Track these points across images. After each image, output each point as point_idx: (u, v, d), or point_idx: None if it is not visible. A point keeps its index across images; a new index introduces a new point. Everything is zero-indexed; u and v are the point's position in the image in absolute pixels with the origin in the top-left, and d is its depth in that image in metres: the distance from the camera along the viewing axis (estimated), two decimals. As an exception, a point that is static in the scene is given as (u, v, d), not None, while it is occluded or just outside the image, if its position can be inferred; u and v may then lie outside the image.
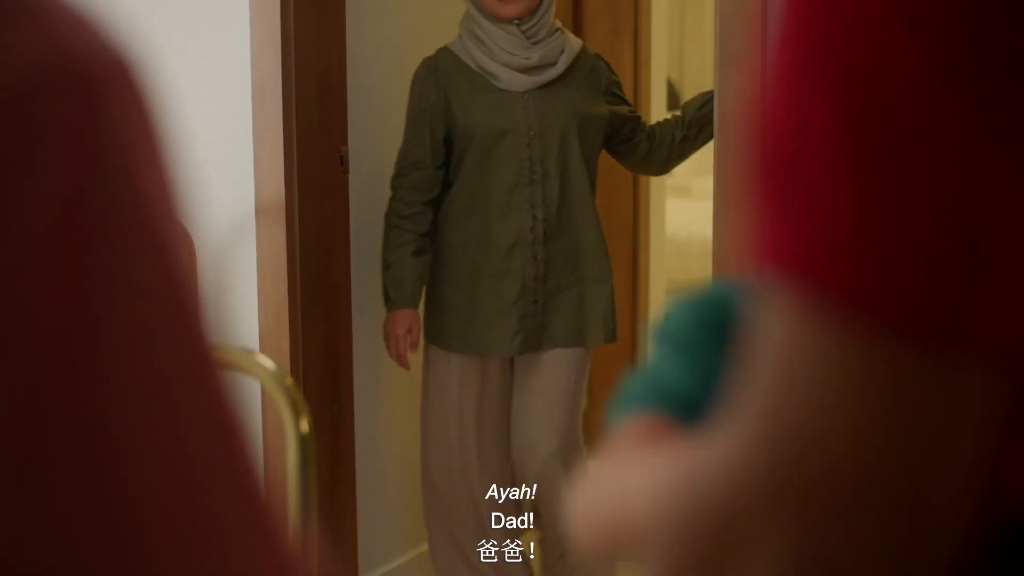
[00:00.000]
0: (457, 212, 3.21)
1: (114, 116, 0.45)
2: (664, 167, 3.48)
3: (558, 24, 3.28)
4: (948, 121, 0.45)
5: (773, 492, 0.48)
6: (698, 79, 8.45)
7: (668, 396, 0.69)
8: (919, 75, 0.45)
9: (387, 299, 3.23)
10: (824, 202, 0.45)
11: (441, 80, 3.20)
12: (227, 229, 3.14)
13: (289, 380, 1.93)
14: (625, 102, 3.41)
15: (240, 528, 0.47)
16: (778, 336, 0.47)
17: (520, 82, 3.19)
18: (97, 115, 0.45)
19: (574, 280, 3.24)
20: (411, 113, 3.24)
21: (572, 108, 3.22)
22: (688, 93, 8.45)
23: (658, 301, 4.70)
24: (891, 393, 0.45)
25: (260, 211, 3.09)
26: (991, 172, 0.44)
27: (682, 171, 7.59)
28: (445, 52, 3.24)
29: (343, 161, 3.20)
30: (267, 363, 1.93)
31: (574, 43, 3.30)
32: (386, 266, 3.22)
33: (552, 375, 3.27)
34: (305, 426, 1.89)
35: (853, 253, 0.45)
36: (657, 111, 4.62)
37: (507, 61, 3.18)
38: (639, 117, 3.44)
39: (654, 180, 4.59)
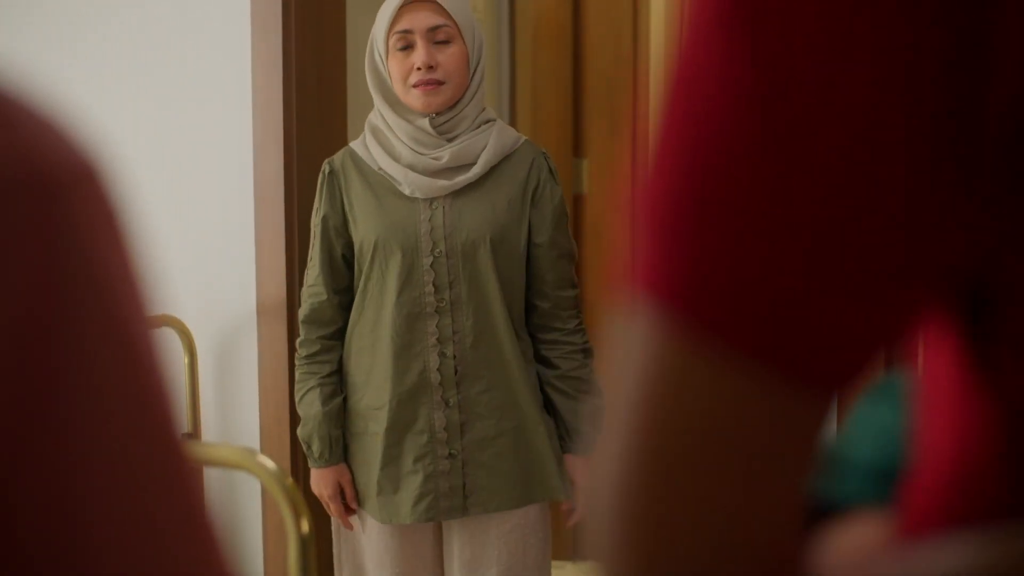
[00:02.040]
0: (358, 347, 2.63)
1: (77, 218, 0.45)
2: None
3: (491, 114, 2.66)
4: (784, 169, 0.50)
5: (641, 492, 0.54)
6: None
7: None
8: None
9: (307, 456, 2.69)
10: (691, 239, 0.52)
11: (337, 186, 2.63)
12: (229, 328, 3.15)
13: (290, 481, 1.92)
14: (560, 243, 2.64)
15: None
16: (646, 351, 0.53)
17: (426, 187, 2.56)
18: (59, 217, 0.45)
19: (507, 429, 2.60)
20: (311, 228, 2.69)
21: (488, 220, 2.58)
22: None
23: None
24: (731, 407, 0.52)
25: (261, 309, 3.10)
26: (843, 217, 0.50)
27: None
28: (346, 152, 2.67)
29: (344, 260, 3.22)
30: (268, 463, 1.93)
31: (507, 137, 2.64)
32: (295, 416, 2.67)
33: (484, 547, 2.64)
34: (306, 527, 1.88)
35: (709, 285, 0.51)
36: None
37: (411, 162, 2.56)
38: (569, 293, 2.66)
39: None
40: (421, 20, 2.54)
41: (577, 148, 4.53)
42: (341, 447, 2.64)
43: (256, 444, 3.10)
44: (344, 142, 3.22)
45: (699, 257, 0.51)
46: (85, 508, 0.44)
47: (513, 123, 4.34)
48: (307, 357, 2.65)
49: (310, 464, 2.66)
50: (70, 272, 0.45)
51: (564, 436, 2.65)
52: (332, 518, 2.71)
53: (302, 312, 2.67)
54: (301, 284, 2.78)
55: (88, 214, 0.46)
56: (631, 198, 0.55)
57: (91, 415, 0.44)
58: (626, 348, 0.54)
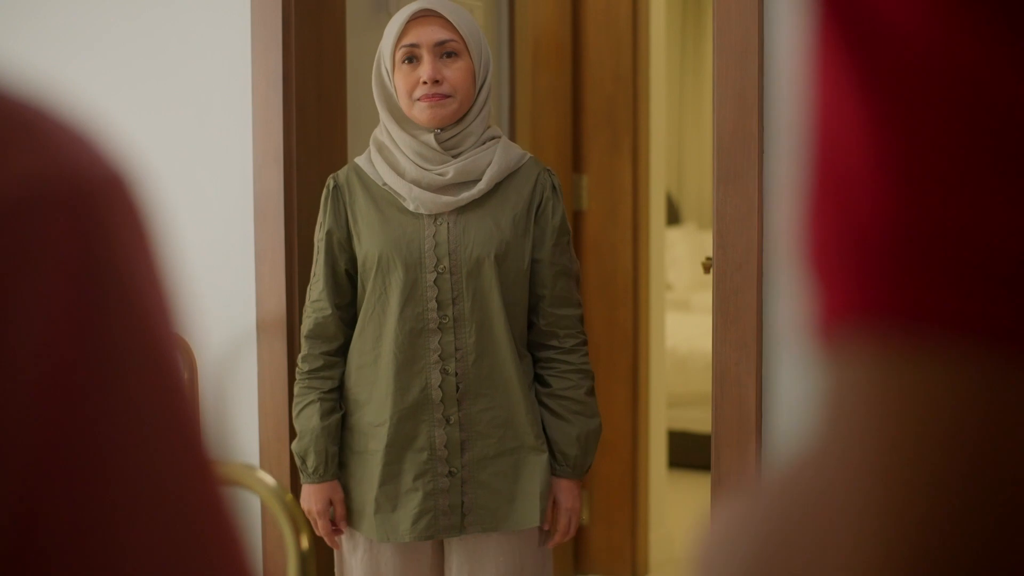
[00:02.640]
0: (360, 363, 2.62)
1: (109, 231, 0.46)
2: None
3: (496, 131, 2.66)
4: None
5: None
6: (697, 194, 8.50)
7: None
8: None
9: (300, 471, 2.66)
10: (888, 240, 0.44)
11: (341, 201, 2.62)
12: (228, 344, 3.15)
13: (289, 496, 1.92)
14: (558, 260, 2.63)
15: None
16: (868, 379, 0.45)
17: (430, 203, 2.54)
18: (91, 230, 0.45)
19: (508, 448, 2.59)
20: (315, 244, 2.68)
21: (492, 236, 2.56)
22: (687, 208, 8.50)
23: (659, 415, 4.69)
24: (990, 404, 0.43)
25: (261, 327, 3.10)
26: None
27: (682, 285, 7.62)
28: (351, 168, 2.66)
29: (344, 276, 3.22)
30: (268, 479, 1.93)
31: (512, 154, 2.62)
32: (295, 432, 2.66)
33: (483, 565, 2.61)
34: (305, 543, 1.88)
35: (933, 280, 0.43)
36: (656, 227, 4.65)
37: (416, 177, 2.55)
38: (568, 313, 2.64)
39: (654, 294, 4.60)
40: (428, 34, 2.55)
41: (577, 164, 4.54)
42: (336, 464, 2.62)
43: (256, 461, 3.10)
44: (344, 158, 3.23)
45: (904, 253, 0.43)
46: (118, 528, 0.43)
47: (513, 139, 4.34)
48: (309, 372, 2.64)
49: (303, 479, 2.65)
50: (104, 288, 0.45)
51: (552, 457, 2.63)
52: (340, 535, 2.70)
53: (305, 327, 2.65)
54: (301, 301, 2.78)
55: (118, 222, 0.46)
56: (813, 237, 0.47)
57: (125, 432, 0.44)
58: (842, 384, 0.46)
